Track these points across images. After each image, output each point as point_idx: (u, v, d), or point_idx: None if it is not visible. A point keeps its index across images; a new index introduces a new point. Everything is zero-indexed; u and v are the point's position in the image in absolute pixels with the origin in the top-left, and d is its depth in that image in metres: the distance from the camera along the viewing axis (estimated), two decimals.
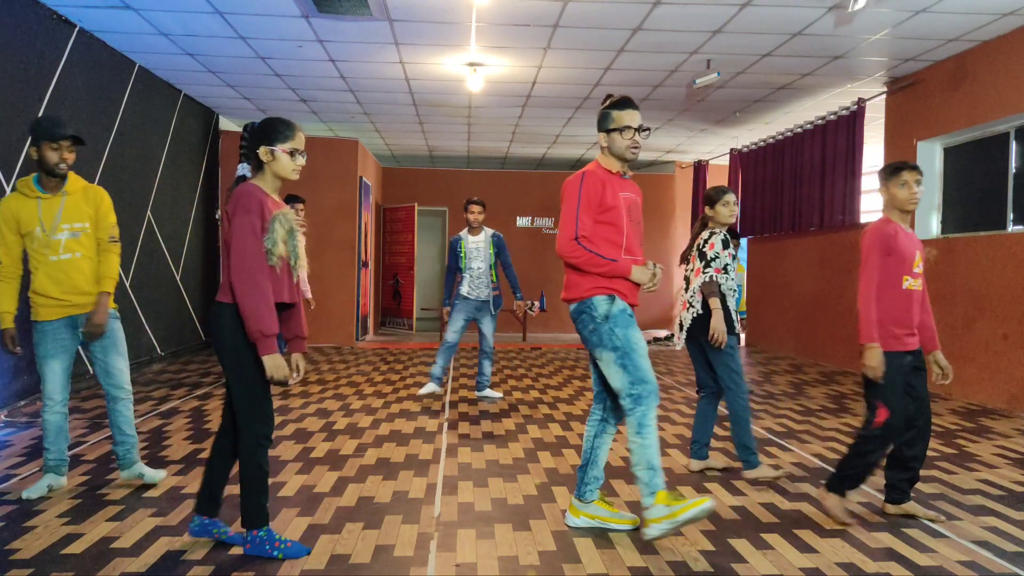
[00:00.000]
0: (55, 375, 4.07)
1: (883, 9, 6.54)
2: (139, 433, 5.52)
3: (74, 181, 4.17)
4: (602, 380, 3.73)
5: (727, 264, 4.55)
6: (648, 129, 3.67)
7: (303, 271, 3.30)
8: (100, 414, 6.14)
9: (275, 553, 3.21)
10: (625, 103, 3.62)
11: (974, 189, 7.85)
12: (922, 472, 4.70)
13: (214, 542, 3.40)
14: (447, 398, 7.21)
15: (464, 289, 7.02)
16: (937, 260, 7.91)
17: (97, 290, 4.10)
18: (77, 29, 7.19)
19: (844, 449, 5.33)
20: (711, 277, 4.51)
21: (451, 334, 7.07)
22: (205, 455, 4.91)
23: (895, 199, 3.79)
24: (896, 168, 3.81)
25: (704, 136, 12.41)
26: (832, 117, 9.88)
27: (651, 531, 3.35)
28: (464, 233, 7.20)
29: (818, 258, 10.45)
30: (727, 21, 6.91)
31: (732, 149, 12.82)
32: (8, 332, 4.04)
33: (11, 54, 6.18)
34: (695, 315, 4.56)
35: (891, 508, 3.90)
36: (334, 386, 7.76)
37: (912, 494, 3.96)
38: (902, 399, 3.70)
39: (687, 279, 4.68)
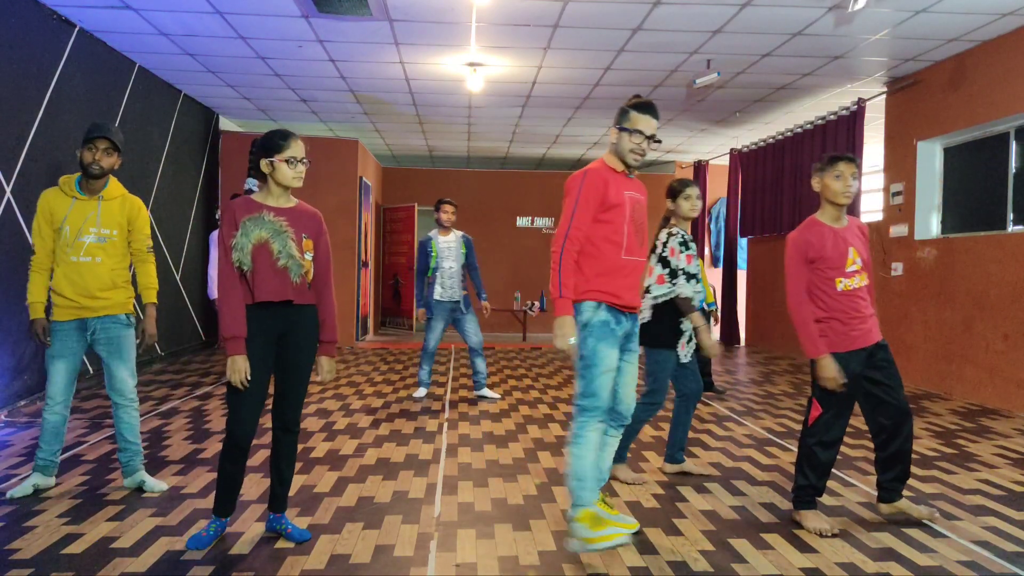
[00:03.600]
0: (60, 376, 4.06)
1: (883, 9, 6.54)
2: (139, 433, 5.52)
3: (114, 188, 4.23)
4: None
5: (693, 273, 4.35)
6: (659, 141, 3.62)
7: (306, 268, 3.36)
8: (100, 414, 6.14)
9: (200, 544, 3.36)
10: (645, 108, 3.52)
11: (974, 189, 7.85)
12: (922, 472, 4.71)
13: (215, 542, 3.40)
14: (447, 398, 7.21)
15: (437, 292, 7.02)
16: (937, 260, 7.91)
17: (123, 297, 4.18)
18: (77, 29, 7.19)
19: (844, 449, 5.33)
20: (678, 295, 4.33)
21: (432, 341, 7.11)
22: (205, 455, 4.92)
23: (827, 190, 3.70)
24: (833, 159, 3.71)
25: (704, 136, 12.41)
26: (832, 117, 9.88)
27: (570, 544, 3.32)
28: (435, 233, 7.15)
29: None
30: (727, 21, 6.91)
31: (732, 149, 12.82)
32: (39, 322, 4.03)
33: (11, 54, 6.18)
34: (642, 320, 4.33)
35: (884, 508, 3.86)
36: (334, 386, 7.76)
37: (908, 493, 3.96)
38: (841, 399, 3.64)
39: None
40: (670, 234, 4.45)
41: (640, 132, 3.48)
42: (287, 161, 3.30)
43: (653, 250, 4.47)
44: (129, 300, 4.20)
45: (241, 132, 11.88)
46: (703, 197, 5.09)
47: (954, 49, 7.59)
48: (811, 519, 3.69)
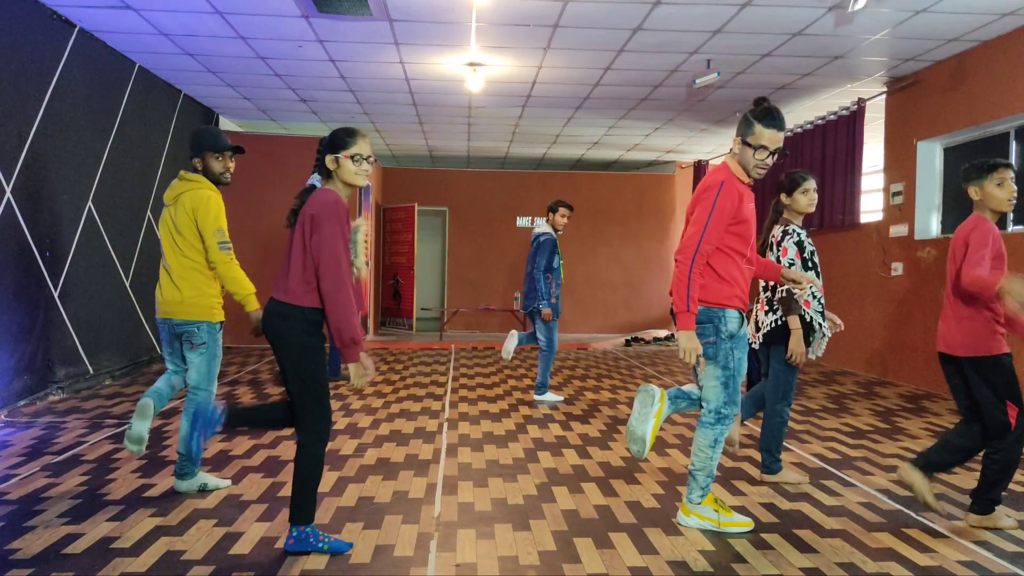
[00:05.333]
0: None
1: (883, 9, 6.54)
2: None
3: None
4: None
5: (802, 270, 4.20)
6: (787, 153, 3.60)
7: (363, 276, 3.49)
8: (100, 414, 6.14)
9: (320, 545, 3.27)
10: (773, 120, 3.39)
11: None
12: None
13: (215, 542, 3.40)
14: (447, 398, 7.21)
15: (558, 292, 6.95)
16: (937, 260, 7.91)
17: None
18: (77, 29, 7.18)
19: (844, 449, 5.34)
20: (787, 291, 4.19)
21: (556, 339, 6.99)
22: (205, 455, 4.91)
23: (991, 199, 3.64)
24: (992, 165, 3.62)
25: (704, 136, 12.41)
26: (832, 117, 9.88)
27: (689, 520, 3.61)
28: (552, 232, 7.02)
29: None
30: (727, 21, 6.91)
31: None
32: (256, 314, 3.97)
33: (11, 54, 6.18)
34: (774, 323, 4.28)
35: (973, 519, 3.73)
36: (334, 386, 7.75)
37: (908, 493, 3.90)
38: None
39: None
40: (786, 232, 4.32)
41: (765, 148, 3.41)
42: (352, 157, 3.27)
43: (768, 246, 4.37)
44: None
45: (241, 132, 11.88)
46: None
47: (954, 49, 7.59)
48: (1001, 519, 3.68)
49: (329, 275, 3.13)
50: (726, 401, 3.55)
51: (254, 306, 4.01)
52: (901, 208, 8.61)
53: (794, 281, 3.83)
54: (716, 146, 13.23)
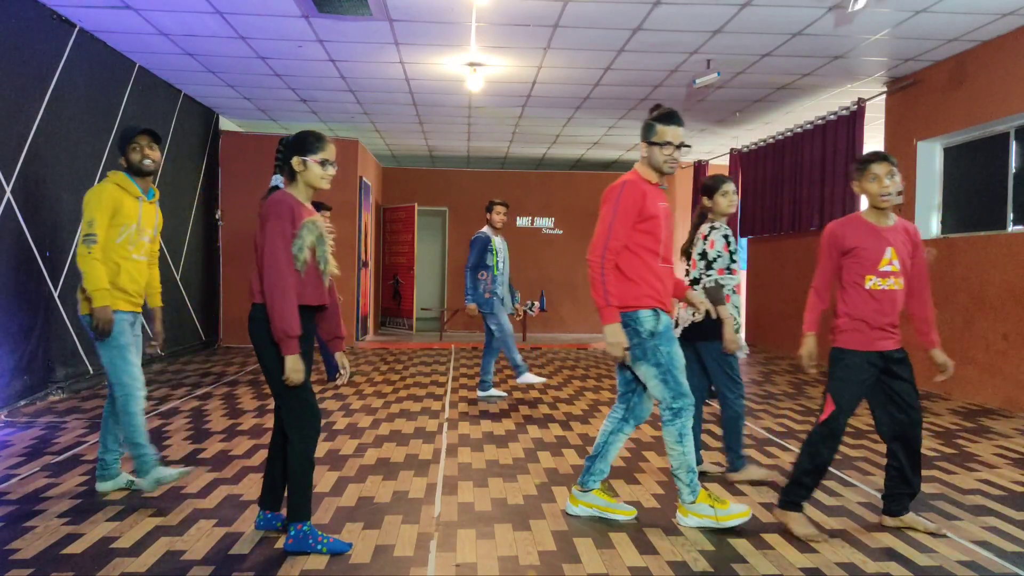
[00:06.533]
0: (138, 361, 4.06)
1: (883, 9, 6.54)
2: None
3: (157, 192, 4.28)
4: (628, 383, 3.80)
5: (729, 264, 4.38)
6: (689, 147, 3.73)
7: (333, 275, 3.46)
8: (100, 414, 6.13)
9: (319, 547, 3.27)
10: (669, 118, 3.62)
11: (974, 189, 7.85)
12: (922, 472, 4.70)
13: (215, 542, 3.40)
14: (447, 398, 7.21)
15: (496, 288, 7.13)
16: (937, 260, 7.91)
17: (150, 302, 4.26)
18: (77, 29, 7.18)
19: (844, 449, 5.34)
20: (715, 281, 4.35)
21: (507, 322, 7.15)
22: (205, 455, 4.92)
23: (866, 194, 3.65)
24: (865, 160, 3.62)
25: (704, 136, 12.41)
26: (832, 117, 9.88)
27: (688, 520, 3.61)
28: (490, 232, 7.24)
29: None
30: (727, 21, 6.91)
31: (732, 149, 12.83)
32: (109, 309, 3.91)
33: (11, 54, 6.18)
34: (694, 317, 4.38)
35: (888, 521, 3.74)
36: (334, 386, 7.75)
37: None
38: (854, 396, 3.55)
39: (687, 273, 4.51)
40: (712, 227, 4.45)
41: (669, 143, 3.61)
42: (321, 162, 3.35)
43: (693, 245, 4.51)
44: None
45: (241, 132, 11.88)
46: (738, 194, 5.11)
47: (954, 49, 7.59)
48: (799, 523, 3.61)
49: (266, 270, 3.19)
50: (673, 395, 3.58)
51: (99, 303, 3.90)
52: (901, 208, 8.61)
53: (692, 304, 4.00)
54: (716, 146, 13.24)
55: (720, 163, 14.03)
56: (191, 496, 4.07)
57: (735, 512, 3.62)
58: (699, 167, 14.21)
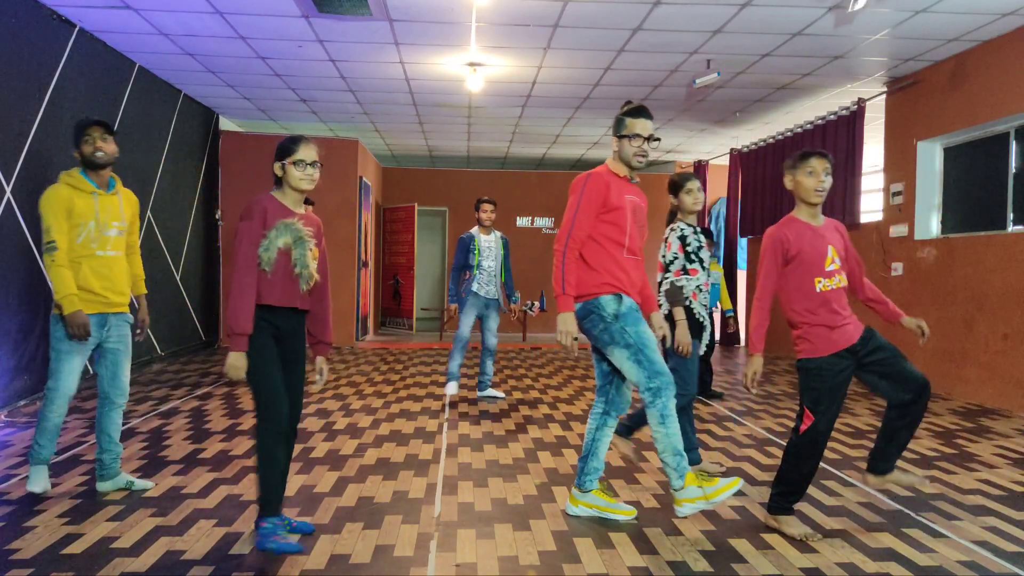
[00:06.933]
0: (75, 371, 4.00)
1: (883, 9, 6.54)
2: (139, 433, 5.53)
3: (118, 181, 4.24)
4: (606, 375, 3.82)
5: (685, 265, 4.40)
6: (658, 139, 3.79)
7: (315, 279, 3.49)
8: None
9: (269, 545, 3.25)
10: (638, 112, 3.70)
11: (974, 189, 7.85)
12: (922, 472, 4.71)
13: (215, 542, 3.41)
14: (447, 398, 7.21)
15: (475, 286, 7.11)
16: (937, 260, 7.91)
17: (131, 293, 4.22)
18: (77, 29, 7.18)
19: (844, 449, 5.34)
20: (671, 283, 4.40)
21: (464, 328, 7.13)
22: (205, 455, 4.92)
23: (799, 188, 3.60)
24: (804, 155, 3.60)
25: (704, 136, 12.41)
26: (832, 117, 9.88)
27: (683, 509, 3.51)
28: (476, 231, 7.23)
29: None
30: (727, 21, 6.91)
31: (732, 149, 12.83)
32: (81, 314, 3.87)
33: (11, 54, 6.18)
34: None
35: (873, 480, 3.70)
36: (334, 386, 7.76)
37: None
38: (832, 407, 3.50)
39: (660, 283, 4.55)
40: (671, 229, 4.55)
41: (638, 135, 3.68)
42: (295, 163, 3.38)
43: (665, 243, 4.57)
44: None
45: (241, 132, 11.88)
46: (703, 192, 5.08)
47: (954, 49, 7.59)
48: (792, 525, 3.60)
49: (232, 266, 3.33)
50: (648, 375, 3.50)
51: (68, 309, 3.85)
52: (901, 208, 8.61)
53: (651, 327, 3.91)
54: (716, 146, 13.24)
55: (720, 163, 14.03)
56: (191, 496, 4.08)
57: (723, 485, 3.47)
58: (699, 167, 14.22)
